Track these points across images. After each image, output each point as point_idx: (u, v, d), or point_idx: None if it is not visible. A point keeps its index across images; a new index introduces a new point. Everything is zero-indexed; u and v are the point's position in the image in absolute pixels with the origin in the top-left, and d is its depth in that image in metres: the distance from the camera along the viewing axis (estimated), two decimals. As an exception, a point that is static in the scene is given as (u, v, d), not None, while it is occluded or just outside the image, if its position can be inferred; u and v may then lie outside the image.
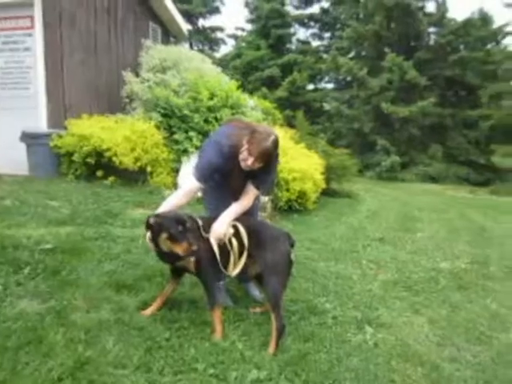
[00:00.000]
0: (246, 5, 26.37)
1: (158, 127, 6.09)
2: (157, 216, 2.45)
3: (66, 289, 2.70)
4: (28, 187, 5.07)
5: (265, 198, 5.27)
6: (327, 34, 27.86)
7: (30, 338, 2.13)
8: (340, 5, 25.47)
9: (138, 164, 5.72)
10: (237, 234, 2.68)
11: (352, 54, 23.44)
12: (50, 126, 6.31)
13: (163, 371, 2.14)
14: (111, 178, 5.68)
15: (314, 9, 27.33)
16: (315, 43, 27.96)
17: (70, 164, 5.85)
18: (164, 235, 2.39)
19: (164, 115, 6.12)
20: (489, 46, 20.55)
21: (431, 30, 21.04)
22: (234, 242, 2.66)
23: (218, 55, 27.40)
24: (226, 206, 2.99)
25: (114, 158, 5.49)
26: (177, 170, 6.14)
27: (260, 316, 2.89)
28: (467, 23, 19.24)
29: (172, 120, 6.11)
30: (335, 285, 3.80)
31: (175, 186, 5.99)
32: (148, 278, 3.07)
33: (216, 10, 28.28)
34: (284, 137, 6.68)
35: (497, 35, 20.24)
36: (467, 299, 3.94)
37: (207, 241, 2.60)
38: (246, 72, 22.78)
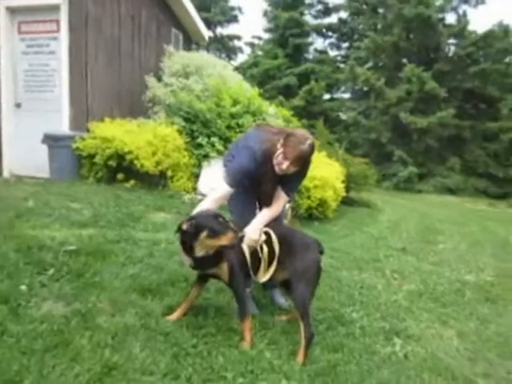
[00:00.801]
0: (265, 14, 26.53)
1: (179, 132, 6.08)
2: (190, 218, 2.39)
3: (90, 291, 2.66)
4: (50, 189, 5.09)
5: (286, 205, 5.20)
6: (345, 44, 27.85)
7: (57, 341, 2.08)
8: (358, 15, 25.47)
9: (159, 168, 5.70)
10: (268, 240, 2.62)
11: (369, 65, 23.37)
12: (72, 128, 6.35)
13: (191, 379, 2.07)
14: (132, 182, 5.67)
15: (332, 18, 27.44)
16: (333, 53, 28.02)
17: (92, 167, 5.86)
18: (204, 233, 2.32)
19: (187, 120, 6.11)
20: (509, 59, 20.26)
21: (451, 41, 20.86)
22: (265, 248, 2.60)
23: (235, 63, 27.57)
24: (252, 211, 2.94)
25: (136, 162, 5.48)
26: (197, 175, 6.11)
27: (286, 324, 2.82)
28: (489, 35, 19.03)
29: (194, 125, 6.09)
30: (360, 294, 3.71)
31: (195, 190, 5.96)
32: (172, 283, 3.02)
33: (234, 19, 28.56)
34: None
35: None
36: (495, 312, 3.85)
37: (238, 247, 2.54)
38: (263, 80, 22.81)
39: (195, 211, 2.52)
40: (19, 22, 6.59)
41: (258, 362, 2.30)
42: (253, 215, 2.91)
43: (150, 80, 7.22)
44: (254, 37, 28.78)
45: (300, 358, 2.43)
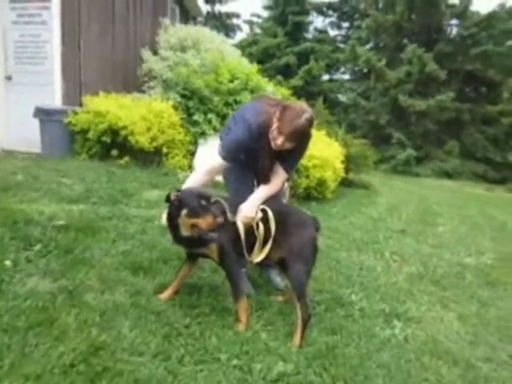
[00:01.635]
0: (264, -11, 25.95)
1: (175, 108, 5.88)
2: (178, 191, 2.27)
3: (78, 268, 2.53)
4: (40, 164, 4.92)
5: (285, 184, 5.08)
6: (345, 24, 27.32)
7: (41, 319, 1.97)
8: (360, -7, 24.94)
9: (154, 144, 5.53)
10: (264, 218, 2.48)
11: (370, 45, 22.98)
12: (65, 103, 6.14)
13: (183, 360, 1.98)
14: (126, 158, 5.50)
15: (333, -4, 26.78)
16: (333, 32, 27.49)
17: (84, 142, 5.67)
18: (184, 211, 2.20)
19: (183, 96, 5.91)
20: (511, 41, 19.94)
21: (453, 22, 20.48)
22: (261, 226, 2.47)
23: (233, 41, 27.03)
24: (248, 187, 2.80)
25: (130, 137, 5.31)
26: (193, 153, 5.95)
27: (283, 305, 2.73)
28: (492, 16, 18.67)
29: (191, 101, 5.89)
30: (359, 276, 3.63)
31: (191, 168, 5.81)
32: (165, 261, 2.90)
33: (233, -4, 27.85)
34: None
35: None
36: (496, 296, 3.79)
37: (231, 225, 2.40)
38: (262, 59, 22.34)
39: (184, 185, 2.39)
40: (9, -11, 6.30)
41: (253, 343, 2.21)
42: (249, 192, 2.78)
43: (146, 53, 6.98)
44: (253, 15, 28.21)
45: (297, 339, 2.33)
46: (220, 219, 2.16)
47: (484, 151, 19.07)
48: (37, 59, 6.35)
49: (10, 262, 2.41)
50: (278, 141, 2.39)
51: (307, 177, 5.81)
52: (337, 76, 26.38)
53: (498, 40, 19.19)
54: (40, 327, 1.92)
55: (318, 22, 29.03)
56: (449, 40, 20.02)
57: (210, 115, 5.82)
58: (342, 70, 26.27)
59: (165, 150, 5.71)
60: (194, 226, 2.21)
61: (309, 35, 26.43)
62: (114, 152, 5.54)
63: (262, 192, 2.56)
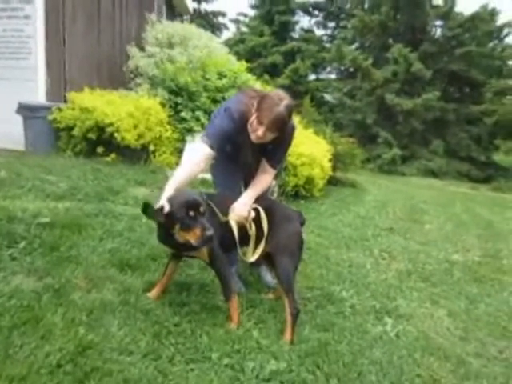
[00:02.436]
0: (251, -12, 25.86)
1: (163, 105, 5.80)
2: (161, 208, 2.12)
3: (64, 266, 2.46)
4: (24, 161, 4.79)
5: (273, 182, 5.05)
6: (331, 24, 27.37)
7: (26, 318, 1.90)
8: (345, -6, 25.02)
9: (141, 141, 5.44)
10: (255, 217, 2.45)
11: (356, 45, 23.07)
12: (49, 99, 6.00)
13: (173, 359, 1.93)
14: (112, 155, 5.40)
15: (320, -4, 26.82)
16: (319, 32, 27.52)
17: (70, 139, 5.55)
18: (178, 226, 2.11)
19: (171, 92, 5.82)
20: (495, 42, 20.24)
21: (438, 22, 20.68)
22: (253, 226, 2.43)
23: (219, 40, 26.88)
24: (235, 181, 2.77)
25: (116, 134, 5.20)
26: (180, 150, 5.88)
27: (274, 302, 2.69)
28: (475, 17, 18.90)
29: (179, 98, 5.81)
30: (350, 273, 3.63)
31: (178, 165, 5.73)
32: (154, 258, 2.85)
33: (219, -6, 27.76)
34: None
35: (501, 31, 19.91)
36: (484, 292, 3.83)
37: (221, 225, 2.35)
38: (249, 58, 22.35)
39: (170, 185, 2.26)
40: (-10, -18, 6.15)
41: (244, 341, 2.17)
42: (238, 187, 2.75)
43: (132, 50, 6.87)
44: (239, 14, 28.11)
45: (287, 336, 2.31)
46: (209, 232, 2.07)
47: (468, 150, 19.27)
48: (20, 54, 6.19)
49: (-8, 261, 2.33)
50: (259, 131, 2.32)
51: (295, 175, 5.79)
52: (323, 75, 26.47)
53: (480, 41, 19.45)
54: (25, 327, 1.85)
55: (304, 21, 29.08)
56: (433, 40, 20.18)
57: (197, 112, 5.75)
58: (328, 69, 26.35)
59: (152, 147, 5.63)
60: (185, 237, 2.14)
61: (295, 35, 26.42)
62: (100, 149, 5.44)
63: (253, 191, 2.51)
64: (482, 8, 19.07)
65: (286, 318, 2.34)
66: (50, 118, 5.56)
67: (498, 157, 20.70)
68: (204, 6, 27.26)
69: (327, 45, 25.53)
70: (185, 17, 10.82)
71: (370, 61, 19.31)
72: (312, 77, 25.31)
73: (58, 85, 6.06)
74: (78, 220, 3.15)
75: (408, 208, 7.67)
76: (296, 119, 7.22)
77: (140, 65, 6.56)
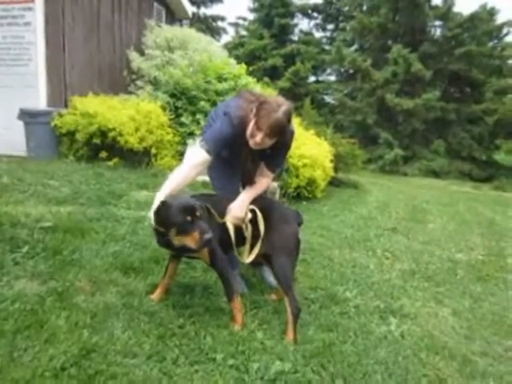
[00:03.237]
0: (250, -8, 25.95)
1: (163, 108, 5.81)
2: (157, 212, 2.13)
3: (67, 269, 2.47)
4: (26, 166, 4.82)
5: (274, 184, 5.05)
6: (330, 26, 27.45)
7: (30, 322, 1.90)
8: (344, -4, 25.07)
9: (143, 145, 5.45)
10: (252, 219, 2.45)
11: (355, 47, 23.11)
12: (50, 104, 6.04)
13: (178, 361, 1.93)
14: (115, 160, 5.41)
15: (318, -1, 26.92)
16: (318, 34, 27.60)
17: (71, 144, 5.57)
18: (173, 230, 2.10)
19: (172, 95, 5.83)
20: (495, 41, 20.23)
21: (437, 23, 20.69)
22: (250, 227, 2.42)
23: (219, 44, 26.93)
24: (234, 185, 2.75)
25: (119, 138, 5.22)
26: (182, 153, 5.88)
27: (278, 303, 2.68)
28: (474, 17, 18.90)
29: (180, 101, 5.82)
30: (353, 273, 3.61)
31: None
32: (156, 261, 2.84)
33: (218, -1, 27.83)
34: (294, 122, 6.44)
35: (501, 30, 19.90)
36: (489, 291, 3.81)
37: (220, 226, 2.35)
38: (249, 61, 22.40)
39: (165, 187, 2.27)
40: (-10, -10, 6.19)
41: (249, 342, 2.16)
42: (236, 189, 2.73)
43: (132, 54, 6.89)
44: (238, 18, 28.20)
45: (290, 335, 2.31)
46: (208, 235, 2.05)
47: (470, 150, 19.23)
48: (21, 61, 6.25)
49: (-5, 265, 2.33)
50: (257, 137, 2.30)
51: (297, 176, 5.78)
52: (323, 77, 26.52)
53: (480, 40, 19.44)
54: (29, 330, 1.85)
55: (303, 24, 29.18)
56: (433, 41, 20.18)
57: (198, 116, 5.76)
58: (328, 71, 26.42)
59: (153, 150, 5.64)
60: (183, 242, 2.13)
61: (294, 37, 26.52)
62: (103, 154, 5.45)
63: (250, 192, 2.50)
64: (481, 7, 19.08)
65: (288, 318, 2.34)
66: (52, 123, 5.57)
67: (499, 156, 20.66)
68: (203, 11, 27.40)
69: (327, 47, 25.59)
70: (184, 21, 10.85)
71: (370, 62, 19.33)
72: (312, 79, 25.37)
73: (59, 91, 6.09)
74: (81, 224, 3.15)
75: (410, 208, 7.65)
76: (297, 121, 7.23)
77: (141, 67, 6.56)
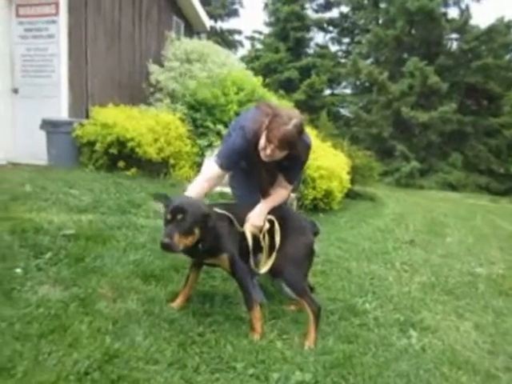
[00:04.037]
0: (265, 7, 26.27)
1: (182, 120, 5.89)
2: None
3: (89, 276, 2.50)
4: (47, 175, 4.90)
5: (292, 195, 5.05)
6: (346, 39, 27.61)
7: (54, 327, 1.93)
8: (360, 10, 25.21)
9: (161, 155, 5.52)
10: (270, 229, 2.46)
11: (371, 60, 23.16)
12: (71, 115, 6.17)
13: (199, 369, 1.93)
14: (133, 170, 5.48)
15: (333, 13, 27.17)
16: (334, 48, 27.77)
17: (91, 154, 5.67)
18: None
19: (191, 107, 5.92)
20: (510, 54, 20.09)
21: (453, 36, 20.67)
22: (267, 237, 2.44)
23: (236, 57, 27.22)
24: (254, 194, 2.76)
25: (137, 149, 5.30)
26: (199, 164, 5.94)
27: (296, 314, 2.67)
28: (492, 30, 18.83)
29: (198, 113, 5.89)
30: (372, 285, 3.58)
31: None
32: (176, 269, 2.86)
33: (235, 13, 28.24)
34: (310, 134, 6.45)
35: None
36: (511, 306, 3.69)
37: (241, 235, 2.37)
38: (264, 74, 22.60)
39: (188, 192, 2.37)
40: (17, 5, 6.38)
41: (269, 351, 2.15)
42: (255, 199, 2.75)
43: (152, 66, 7.02)
44: (254, 31, 28.57)
45: (311, 336, 2.32)
46: (164, 239, 2.03)
47: (487, 163, 19.04)
48: (44, 72, 6.40)
49: (20, 270, 2.38)
50: (268, 150, 2.34)
51: (314, 188, 5.78)
52: (338, 90, 26.59)
53: (497, 53, 19.33)
54: (53, 335, 1.88)
55: (318, 37, 29.42)
56: (449, 53, 20.17)
57: (218, 126, 5.82)
58: (344, 84, 26.50)
59: (172, 161, 5.70)
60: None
61: (310, 50, 26.73)
62: (121, 163, 5.53)
63: (269, 202, 2.52)
64: (498, 20, 18.98)
65: (309, 319, 2.35)
66: (74, 134, 5.68)
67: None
68: (220, 24, 27.85)
69: (342, 60, 25.70)
70: (202, 35, 11.03)
71: (386, 74, 19.33)
72: (327, 91, 25.45)
73: (80, 101, 6.22)
74: (102, 232, 3.19)
75: (428, 221, 7.56)
76: (313, 133, 7.24)
77: (160, 79, 6.67)
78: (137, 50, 7.32)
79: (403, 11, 19.08)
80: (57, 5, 6.10)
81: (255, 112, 2.59)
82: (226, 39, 28.13)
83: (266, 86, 6.94)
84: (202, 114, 5.88)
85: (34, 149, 6.19)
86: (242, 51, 28.33)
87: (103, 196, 4.31)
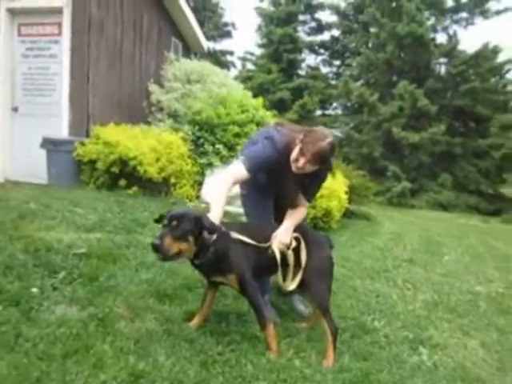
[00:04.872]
0: (258, 29, 26.76)
1: (184, 139, 5.95)
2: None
3: (105, 295, 2.50)
4: (50, 193, 4.89)
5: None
6: (337, 62, 28.16)
7: (77, 347, 1.92)
8: (350, 33, 25.83)
9: (163, 174, 5.55)
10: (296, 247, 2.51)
11: (361, 82, 23.62)
12: (71, 134, 6.17)
13: (223, 388, 1.93)
14: (134, 188, 5.49)
15: (325, 36, 27.76)
16: (325, 69, 28.29)
17: (92, 172, 5.67)
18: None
19: (194, 126, 5.98)
20: (497, 78, 20.67)
21: (442, 60, 21.23)
22: (292, 254, 2.48)
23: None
24: (266, 210, 2.81)
25: (139, 168, 5.32)
26: (200, 183, 5.98)
27: (310, 331, 2.70)
28: (479, 54, 19.39)
29: (201, 132, 5.96)
30: (378, 303, 3.62)
31: (198, 198, 5.82)
32: (189, 288, 2.87)
33: (227, 34, 28.72)
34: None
35: (503, 68, 20.35)
36: (513, 324, 3.75)
37: (256, 252, 2.40)
38: (257, 94, 22.92)
39: (216, 197, 2.36)
40: (19, 24, 6.44)
41: (289, 370, 2.16)
42: (269, 215, 2.80)
43: (152, 86, 7.10)
44: (246, 52, 29.04)
45: (330, 356, 2.36)
46: (155, 241, 2.12)
47: (476, 184, 19.35)
48: (45, 91, 6.44)
49: (36, 290, 2.37)
50: (300, 163, 2.39)
51: (314, 207, 5.82)
52: (329, 111, 26.99)
53: (484, 77, 19.88)
54: (77, 355, 1.87)
55: (309, 59, 29.97)
56: (438, 77, 20.66)
57: (218, 146, 5.88)
58: (334, 105, 26.93)
59: (173, 180, 5.73)
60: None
61: (302, 72, 27.17)
62: (122, 182, 5.54)
63: (292, 219, 2.57)
64: (484, 46, 19.57)
65: (327, 338, 2.39)
66: (74, 153, 5.69)
67: (506, 189, 20.69)
68: (213, 45, 28.26)
69: (333, 82, 26.15)
70: (192, 55, 11.23)
71: (376, 96, 19.71)
72: (319, 112, 25.80)
73: (81, 120, 6.24)
74: (111, 251, 3.20)
75: (424, 240, 7.65)
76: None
77: (161, 99, 6.75)
78: (137, 69, 7.42)
79: (393, 36, 19.58)
80: (60, 25, 6.18)
81: (282, 128, 2.62)
82: (218, 59, 28.53)
83: (264, 106, 7.03)
84: (206, 134, 5.94)
85: (33, 167, 6.18)
86: (234, 72, 28.75)
87: (108, 215, 4.31)
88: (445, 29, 21.39)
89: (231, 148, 5.89)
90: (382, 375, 2.34)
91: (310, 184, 2.65)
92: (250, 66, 28.12)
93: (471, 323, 3.59)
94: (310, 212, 5.86)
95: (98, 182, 5.65)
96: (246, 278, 2.33)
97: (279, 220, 2.66)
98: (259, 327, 2.38)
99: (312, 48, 27.44)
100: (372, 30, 23.00)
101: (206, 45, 10.22)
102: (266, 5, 26.67)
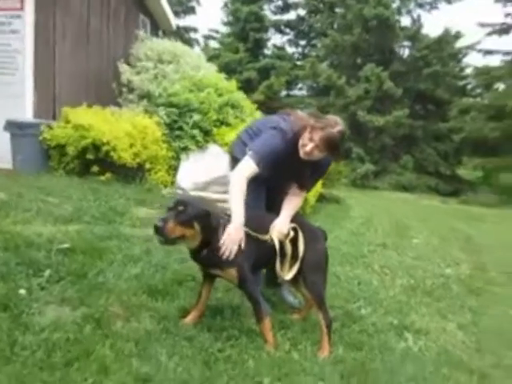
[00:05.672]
0: (225, 6, 26.12)
1: (158, 123, 5.76)
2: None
3: (96, 294, 2.40)
4: (18, 181, 4.65)
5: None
6: (302, 42, 28.05)
7: (77, 353, 1.84)
8: (316, 14, 25.71)
9: (137, 160, 5.38)
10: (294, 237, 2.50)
11: (326, 63, 23.68)
12: (37, 116, 5.85)
13: (229, 387, 1.91)
14: (107, 175, 5.30)
15: (291, 15, 27.51)
16: (290, 49, 28.13)
17: (61, 158, 5.41)
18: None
19: (170, 110, 5.79)
20: (454, 63, 21.29)
21: (406, 43, 21.59)
22: (289, 244, 2.47)
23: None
24: (261, 201, 2.78)
25: (112, 153, 5.13)
26: (175, 168, 5.84)
27: (303, 323, 2.73)
28: (442, 39, 19.85)
29: (177, 116, 5.79)
30: (360, 290, 3.69)
31: (173, 184, 5.70)
32: (179, 283, 2.82)
33: (191, 10, 27.84)
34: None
35: (461, 53, 20.98)
36: (483, 304, 3.94)
37: (256, 245, 2.37)
38: (224, 73, 22.54)
39: (235, 199, 2.35)
40: (-24, -3, 5.97)
41: (289, 364, 2.18)
42: (263, 205, 2.78)
43: (122, 66, 6.81)
44: (211, 30, 28.36)
45: (325, 347, 2.38)
46: (158, 223, 2.06)
47: (436, 165, 20.09)
48: (6, 69, 6.03)
49: (24, 291, 2.25)
50: (308, 147, 2.37)
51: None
52: (295, 92, 26.97)
53: (445, 62, 20.42)
54: (78, 362, 1.79)
55: (275, 39, 29.68)
56: (402, 60, 21.07)
57: (194, 131, 5.74)
58: (300, 86, 26.92)
59: (147, 165, 5.57)
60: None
61: (268, 51, 26.87)
62: (95, 168, 5.33)
63: (290, 210, 2.55)
64: (446, 31, 20.03)
65: (322, 331, 2.41)
66: (41, 137, 5.40)
67: (465, 171, 21.63)
68: (176, 22, 27.38)
69: (298, 62, 26.06)
70: (159, 32, 10.84)
71: (344, 79, 19.86)
72: (284, 93, 25.71)
73: (47, 102, 5.92)
74: (95, 244, 3.08)
75: (393, 223, 7.87)
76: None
77: (132, 79, 6.48)
78: (105, 48, 7.08)
79: (360, 17, 19.67)
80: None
81: (290, 117, 2.57)
82: (182, 37, 27.71)
83: (238, 88, 6.90)
84: (180, 117, 5.77)
85: (-3, 151, 5.82)
86: (197, 49, 28.05)
87: (83, 204, 4.15)
88: (409, 12, 21.70)
89: (207, 133, 5.77)
90: (375, 364, 2.40)
91: (311, 176, 2.64)
92: (214, 44, 27.57)
93: (447, 306, 3.72)
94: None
95: (67, 167, 5.41)
96: (245, 272, 2.31)
97: (273, 209, 2.64)
98: (256, 320, 2.38)
99: (278, 27, 27.15)
100: (338, 10, 22.99)
101: (175, 22, 9.84)
102: (231, -19, 26.03)
